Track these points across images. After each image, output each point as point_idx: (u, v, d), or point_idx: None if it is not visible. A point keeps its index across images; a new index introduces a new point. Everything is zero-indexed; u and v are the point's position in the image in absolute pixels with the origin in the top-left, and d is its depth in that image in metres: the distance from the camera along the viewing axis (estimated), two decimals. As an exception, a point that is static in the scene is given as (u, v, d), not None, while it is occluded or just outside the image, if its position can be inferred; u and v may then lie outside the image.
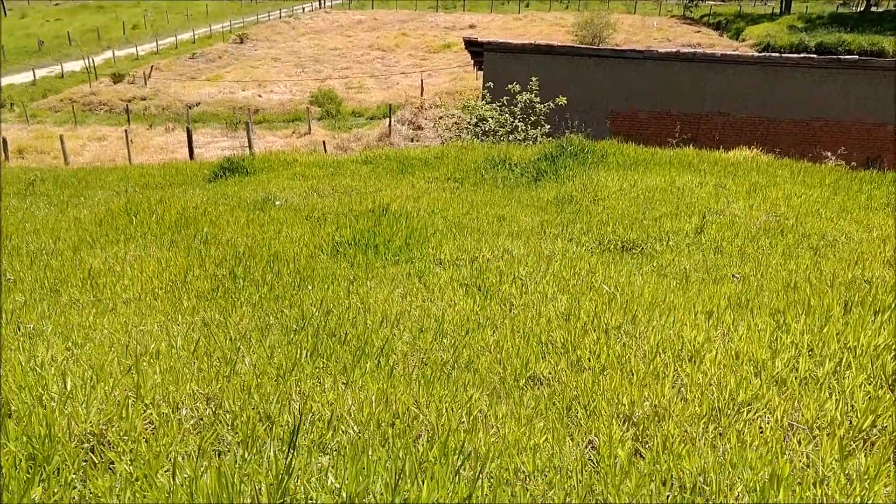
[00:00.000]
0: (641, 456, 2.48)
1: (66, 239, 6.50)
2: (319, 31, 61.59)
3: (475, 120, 15.91)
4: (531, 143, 13.76)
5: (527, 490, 2.21)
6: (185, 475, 2.12)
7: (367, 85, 42.38)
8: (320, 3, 78.08)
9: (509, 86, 15.67)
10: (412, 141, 26.99)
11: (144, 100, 40.18)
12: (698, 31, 56.33)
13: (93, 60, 47.68)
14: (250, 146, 21.39)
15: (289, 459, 2.12)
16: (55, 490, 2.17)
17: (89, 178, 13.86)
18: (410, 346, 3.48)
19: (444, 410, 2.74)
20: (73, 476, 2.26)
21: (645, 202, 7.24)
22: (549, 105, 15.24)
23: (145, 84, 43.62)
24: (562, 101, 15.20)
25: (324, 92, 37.90)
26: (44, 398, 2.69)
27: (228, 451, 2.38)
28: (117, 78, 44.39)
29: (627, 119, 17.72)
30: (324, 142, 27.50)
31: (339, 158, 12.57)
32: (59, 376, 2.90)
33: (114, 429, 2.50)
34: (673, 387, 2.97)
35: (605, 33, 49.55)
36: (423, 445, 2.43)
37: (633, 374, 3.09)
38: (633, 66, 17.62)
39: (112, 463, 2.33)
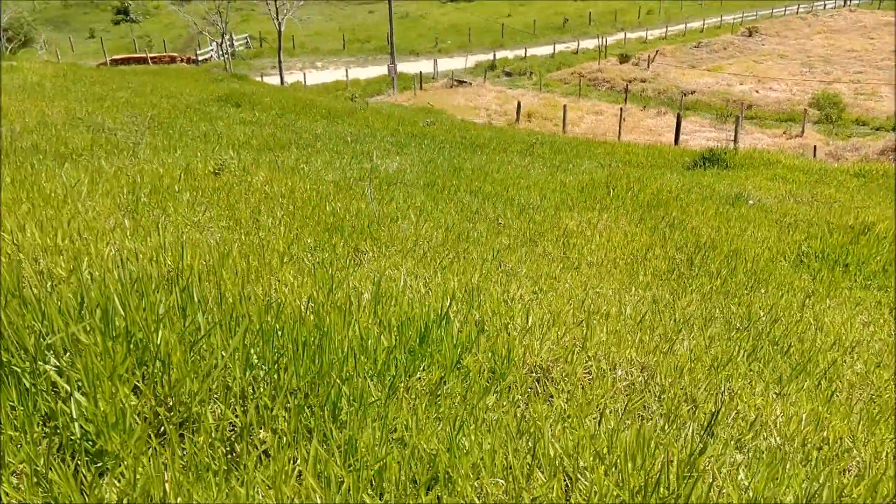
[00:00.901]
0: None
1: (550, 198, 7.29)
2: (837, 31, 56.37)
3: None
4: None
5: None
6: (610, 426, 2.35)
7: (880, 92, 37.66)
8: (845, 1, 71.00)
9: None
10: (928, 160, 23.31)
11: (644, 82, 41.73)
12: None
13: (605, 40, 50.96)
14: (735, 140, 20.83)
15: (704, 443, 2.21)
16: (503, 403, 2.58)
17: (580, 147, 15.09)
18: (861, 379, 3.21)
19: (883, 455, 2.51)
20: (519, 397, 2.65)
21: None
22: None
23: (647, 67, 45.17)
24: None
25: (827, 95, 34.84)
26: (509, 327, 3.18)
27: (650, 418, 2.56)
28: (623, 59, 46.80)
29: None
30: (815, 147, 25.44)
31: (826, 166, 11.61)
32: (523, 312, 3.38)
33: (558, 369, 2.85)
34: None
35: None
36: (848, 480, 2.29)
37: None
38: None
39: (551, 397, 2.67)
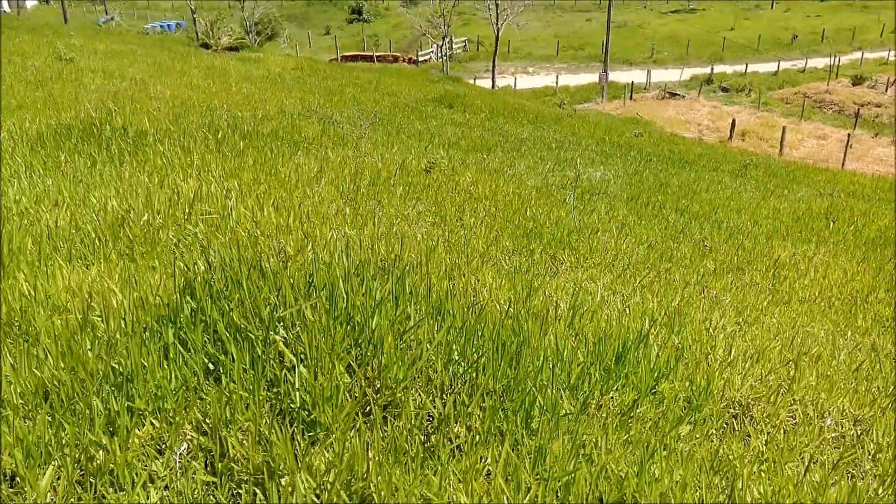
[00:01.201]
0: None
1: (762, 225, 6.89)
2: None
3: None
4: None
5: None
6: (815, 479, 2.19)
7: None
8: None
9: None
10: None
11: (878, 107, 38.14)
12: None
13: (838, 59, 47.02)
14: None
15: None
16: (696, 435, 2.48)
17: (798, 173, 14.10)
18: None
19: None
20: (714, 431, 2.54)
21: None
22: None
23: (885, 91, 41.15)
24: None
25: None
26: (709, 357, 3.06)
27: (862, 478, 2.36)
28: (857, 80, 42.96)
29: None
30: None
31: None
32: (726, 344, 3.24)
33: (759, 408, 2.70)
34: None
35: None
36: None
37: None
38: None
39: (748, 436, 2.54)
